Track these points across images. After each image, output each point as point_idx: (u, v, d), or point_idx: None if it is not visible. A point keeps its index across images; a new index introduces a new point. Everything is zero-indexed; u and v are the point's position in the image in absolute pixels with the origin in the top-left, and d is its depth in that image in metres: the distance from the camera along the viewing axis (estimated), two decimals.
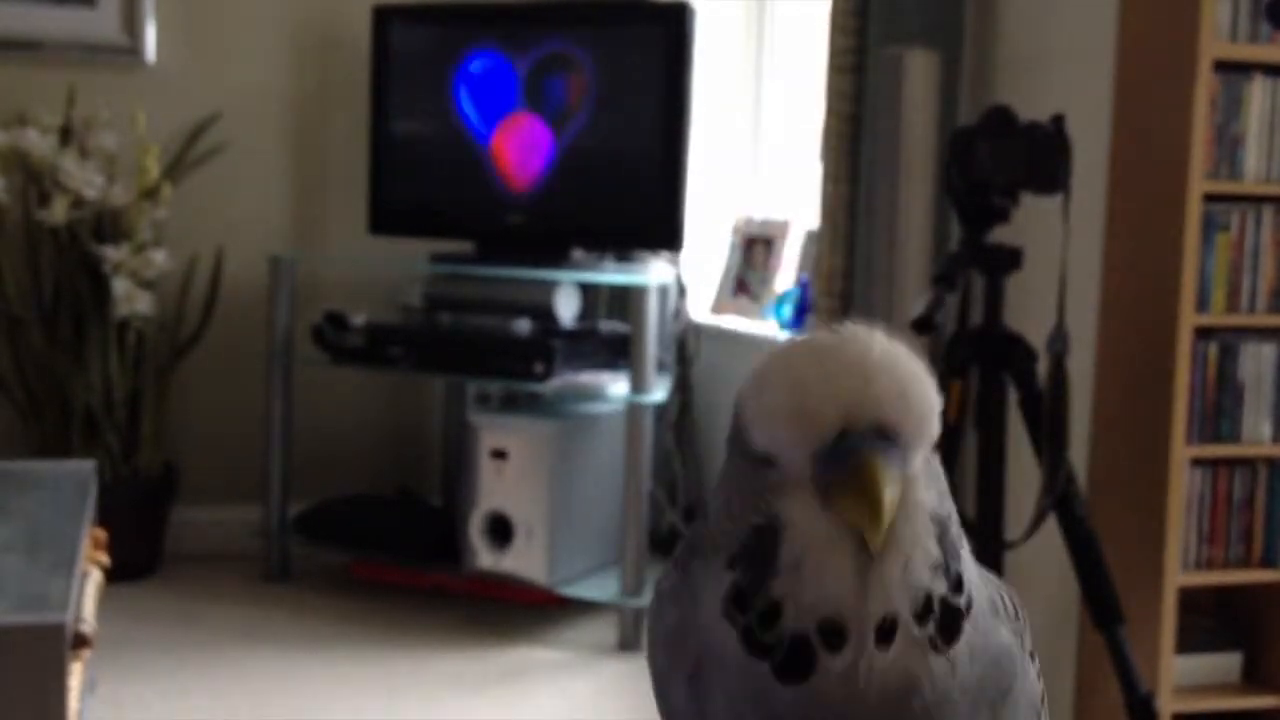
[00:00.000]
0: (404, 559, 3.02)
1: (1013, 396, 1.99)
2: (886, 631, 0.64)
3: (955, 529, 0.69)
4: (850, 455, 0.64)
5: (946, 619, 0.66)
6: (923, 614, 0.65)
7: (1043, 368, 1.96)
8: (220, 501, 3.31)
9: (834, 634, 0.64)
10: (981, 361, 1.98)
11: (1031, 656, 0.75)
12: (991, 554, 2.00)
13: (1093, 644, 2.21)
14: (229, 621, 2.85)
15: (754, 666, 0.66)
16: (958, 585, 0.67)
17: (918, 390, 0.67)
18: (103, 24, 3.19)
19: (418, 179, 3.14)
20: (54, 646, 1.27)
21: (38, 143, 2.98)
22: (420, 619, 2.90)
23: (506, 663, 2.69)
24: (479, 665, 2.67)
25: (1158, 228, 2.16)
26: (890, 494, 0.64)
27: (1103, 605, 1.97)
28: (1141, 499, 2.18)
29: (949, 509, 0.69)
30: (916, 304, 1.92)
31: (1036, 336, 1.97)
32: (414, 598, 3.01)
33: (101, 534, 1.81)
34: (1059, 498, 1.94)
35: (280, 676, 2.57)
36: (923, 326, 1.89)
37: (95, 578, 1.66)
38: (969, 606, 0.67)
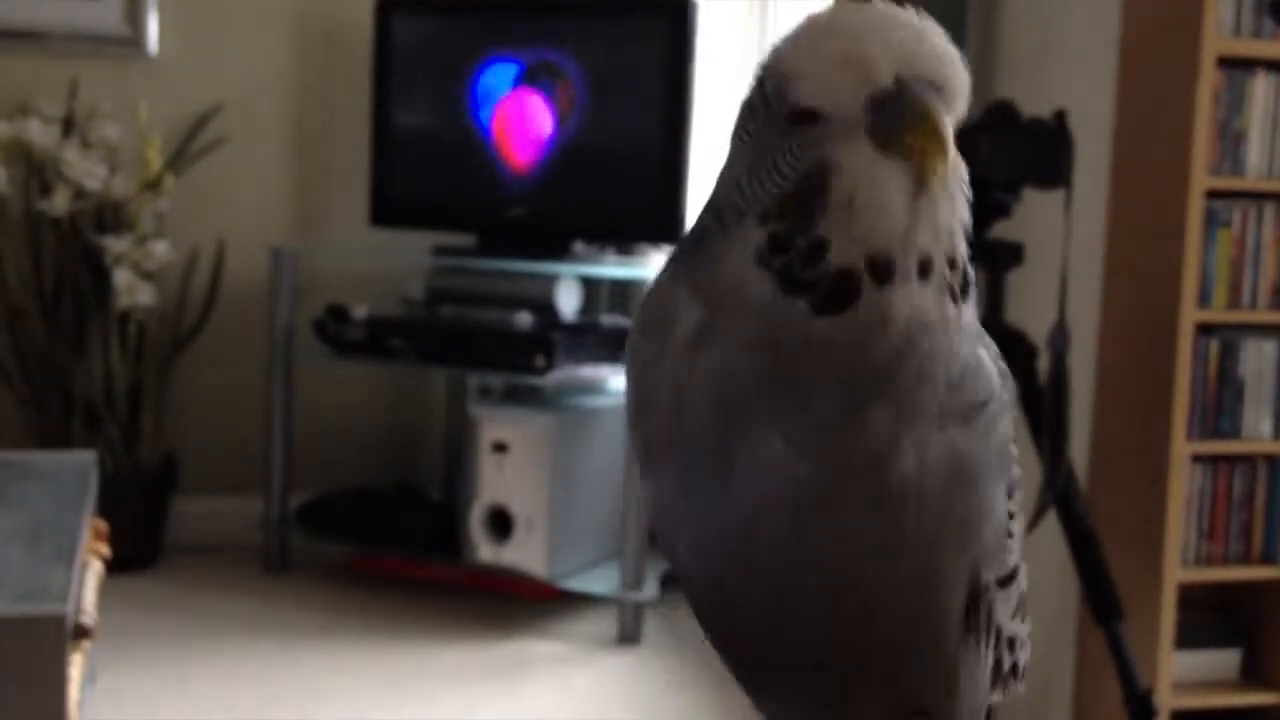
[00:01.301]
0: (404, 551, 3.03)
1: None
2: (924, 269, 0.67)
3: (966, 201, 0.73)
4: (912, 98, 0.67)
5: (964, 276, 0.70)
6: (951, 265, 0.69)
7: (1044, 364, 1.96)
8: (221, 493, 3.31)
9: (883, 267, 0.67)
10: None
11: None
12: None
13: (1092, 640, 2.21)
14: (229, 613, 2.85)
15: (785, 306, 0.67)
16: (972, 258, 0.71)
17: (954, 53, 0.70)
18: (105, 15, 3.18)
19: (419, 172, 3.14)
20: (54, 637, 1.27)
21: (39, 134, 2.98)
22: (420, 611, 2.90)
23: (506, 655, 2.70)
24: (479, 658, 2.67)
25: (1159, 224, 2.16)
26: (950, 138, 0.67)
27: (1102, 601, 1.97)
28: (1142, 495, 2.18)
29: (965, 179, 0.73)
30: None
31: (1037, 332, 1.97)
32: (414, 590, 3.01)
33: (102, 525, 1.82)
34: (1059, 494, 1.94)
35: (280, 668, 2.57)
36: None
37: (96, 569, 1.67)
38: (971, 285, 0.71)
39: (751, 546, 0.71)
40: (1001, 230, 1.99)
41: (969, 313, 0.71)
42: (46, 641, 1.27)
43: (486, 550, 2.90)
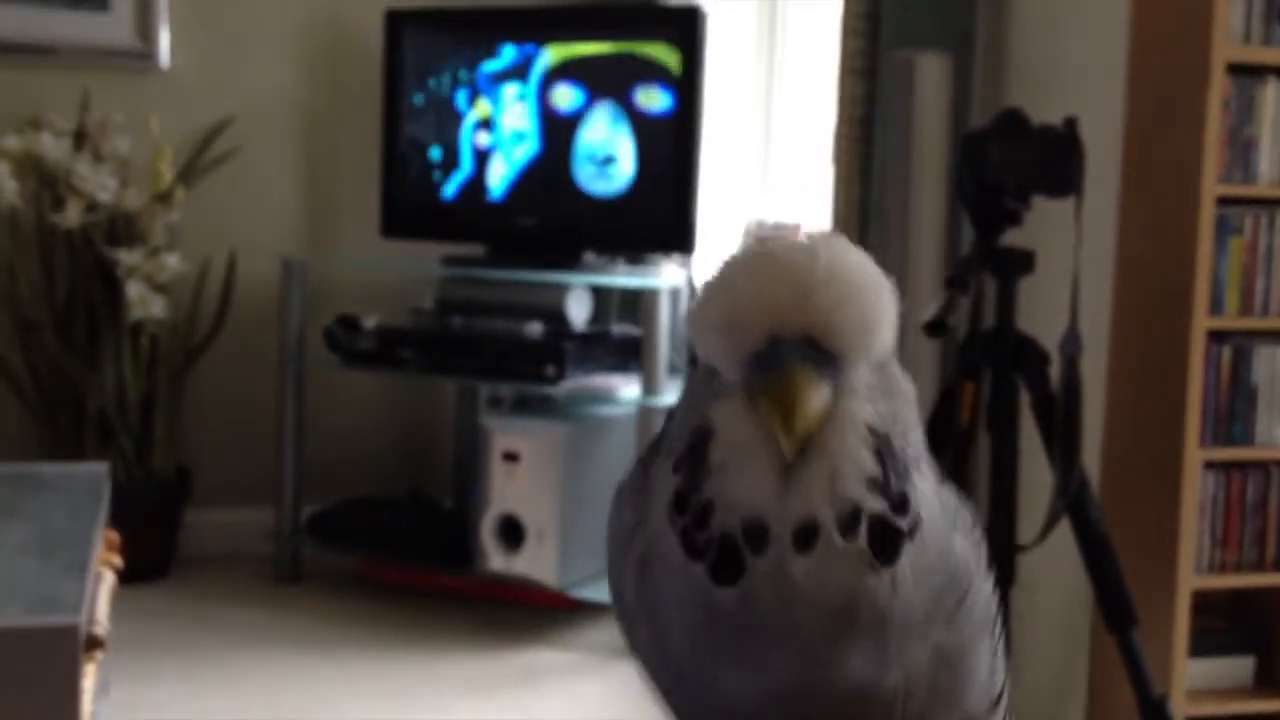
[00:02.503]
0: (415, 561, 3.03)
1: (1025, 399, 1.99)
2: (806, 536, 0.64)
3: (909, 448, 0.69)
4: (774, 363, 0.65)
5: (883, 536, 0.66)
6: (848, 525, 0.65)
7: (1055, 370, 1.96)
8: (232, 503, 3.31)
9: (757, 533, 0.65)
10: (994, 364, 1.98)
11: (989, 571, 0.76)
12: (1004, 557, 2.00)
13: (1105, 647, 2.20)
14: (241, 623, 2.85)
15: (692, 568, 0.67)
16: (900, 506, 0.66)
17: (860, 301, 0.67)
18: (116, 28, 3.20)
19: (429, 182, 3.15)
20: (67, 648, 1.27)
21: (52, 147, 2.99)
22: (431, 621, 2.90)
23: (517, 665, 2.69)
24: (490, 667, 2.67)
25: (1171, 231, 2.15)
26: (813, 403, 0.64)
27: (1116, 608, 1.96)
28: (1155, 502, 2.18)
29: (905, 427, 0.69)
30: (929, 307, 1.92)
31: (1049, 339, 1.97)
32: (425, 600, 3.01)
33: (115, 536, 1.82)
34: (1072, 501, 1.94)
35: (292, 678, 2.57)
36: (935, 329, 1.89)
37: (108, 580, 1.67)
38: (914, 528, 0.67)
39: None
40: (1013, 238, 1.99)
41: (936, 532, 0.69)
42: (59, 652, 1.27)
43: (498, 559, 2.90)
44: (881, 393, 0.68)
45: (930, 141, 2.43)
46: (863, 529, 0.65)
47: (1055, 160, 1.91)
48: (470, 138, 3.10)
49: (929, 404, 2.05)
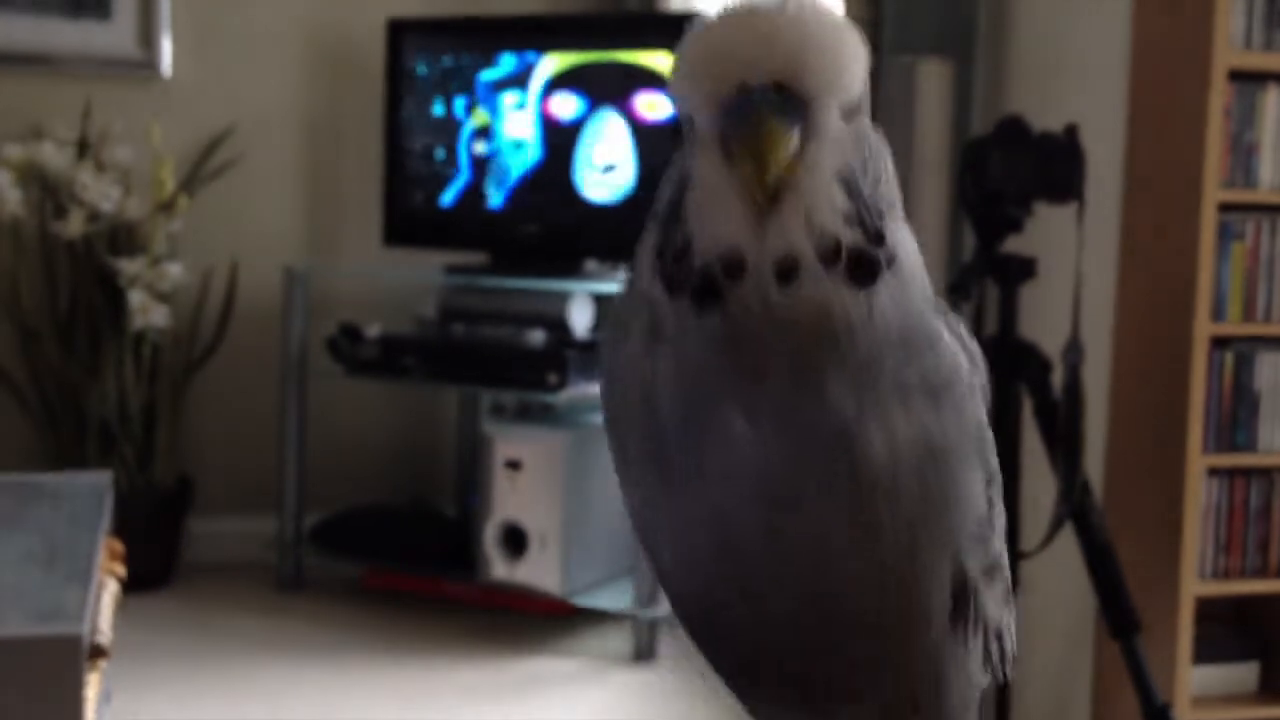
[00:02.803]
0: (418, 569, 3.02)
1: (1028, 406, 1.99)
2: (787, 270, 0.66)
3: (882, 191, 0.70)
4: (744, 110, 0.67)
5: (860, 264, 0.67)
6: (830, 257, 0.66)
7: (1058, 377, 1.96)
8: (235, 512, 3.31)
9: (735, 266, 0.66)
10: (996, 371, 1.98)
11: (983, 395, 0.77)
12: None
13: (1109, 654, 2.20)
14: (244, 631, 2.85)
15: (679, 308, 0.68)
16: (877, 238, 0.68)
17: (824, 43, 0.69)
18: (118, 38, 3.20)
19: (431, 190, 3.15)
20: (70, 657, 1.27)
21: (54, 156, 2.99)
22: (434, 629, 2.90)
23: (520, 673, 2.69)
24: (493, 675, 2.67)
25: (1172, 237, 2.15)
26: (783, 148, 0.66)
27: (1119, 615, 1.96)
28: (1158, 509, 2.18)
29: (877, 175, 0.71)
30: None
31: (1051, 346, 1.97)
32: (428, 608, 3.01)
33: (117, 545, 1.82)
34: (1075, 507, 1.94)
35: (294, 686, 2.57)
36: None
37: (111, 588, 1.67)
38: (891, 261, 0.68)
39: (727, 543, 0.70)
40: (1014, 244, 1.99)
41: (916, 284, 0.70)
42: (62, 662, 1.27)
43: (500, 567, 2.90)
44: (852, 141, 0.70)
45: (931, 147, 2.43)
46: (845, 259, 0.67)
47: (1057, 167, 1.91)
48: (471, 146, 3.10)
49: None
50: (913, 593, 0.72)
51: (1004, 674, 0.82)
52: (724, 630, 0.76)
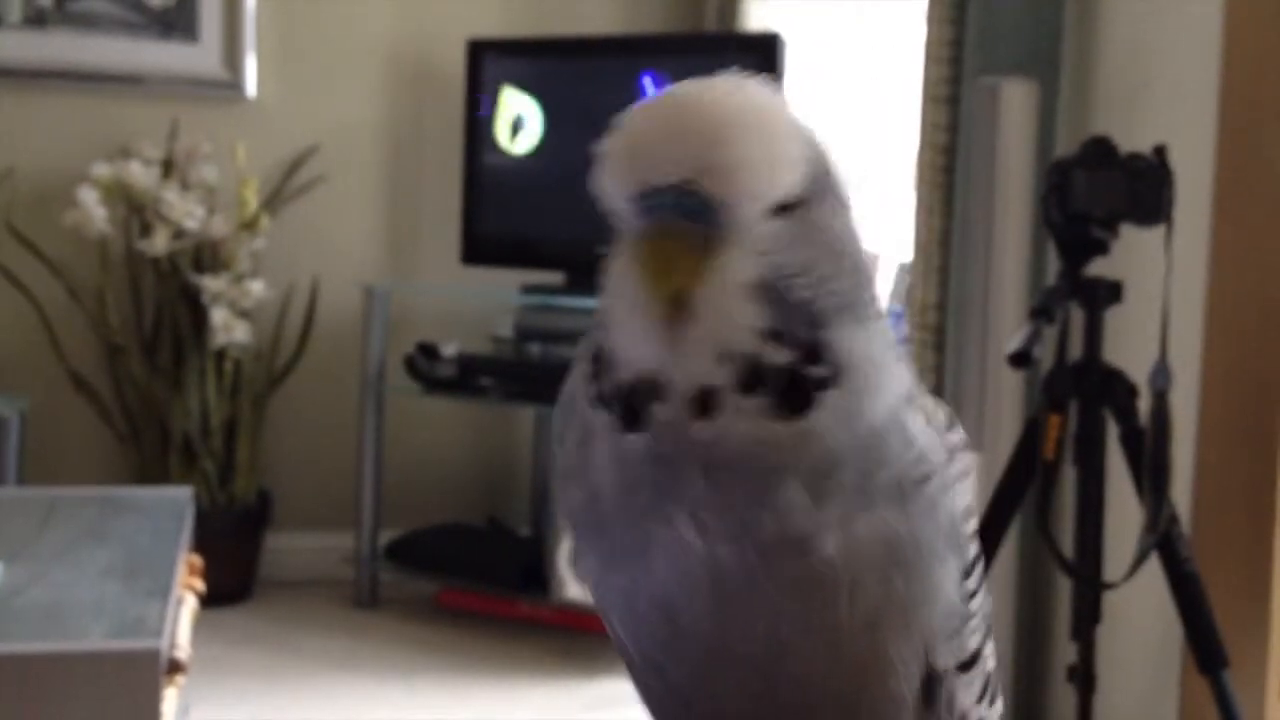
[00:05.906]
0: (492, 588, 3.03)
1: (1113, 433, 1.95)
2: (703, 401, 0.61)
3: (834, 289, 0.64)
4: (647, 212, 0.61)
5: (791, 387, 0.61)
6: (749, 384, 0.61)
7: (1144, 403, 1.91)
8: (313, 528, 3.34)
9: (650, 391, 0.62)
10: (1081, 396, 1.94)
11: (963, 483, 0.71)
12: (1091, 595, 1.95)
13: (1196, 689, 2.14)
14: (320, 647, 2.87)
15: (611, 421, 0.64)
16: (811, 355, 0.62)
17: (745, 138, 0.61)
18: (205, 59, 3.25)
19: (510, 210, 3.16)
20: (149, 671, 1.28)
21: (140, 175, 3.04)
22: (508, 649, 2.90)
23: (594, 694, 2.68)
24: (566, 696, 2.66)
25: (1265, 260, 2.10)
26: (681, 259, 0.60)
27: (1207, 649, 1.91)
28: (1247, 539, 2.12)
29: (822, 276, 0.63)
30: (1014, 338, 1.89)
31: (1138, 371, 1.93)
32: (502, 627, 3.01)
33: (197, 560, 1.84)
34: (1161, 538, 1.89)
35: (368, 703, 2.58)
36: (1020, 360, 1.85)
37: (190, 603, 1.68)
38: (836, 376, 0.62)
39: (675, 627, 0.68)
40: (1100, 267, 1.95)
41: (879, 390, 0.65)
42: (141, 675, 1.28)
43: (574, 588, 2.89)
44: (789, 241, 0.63)
45: (1015, 169, 2.39)
46: (770, 385, 0.61)
47: (1144, 189, 1.87)
48: (550, 164, 3.11)
49: (1013, 437, 2.01)
50: (877, 686, 0.68)
51: None
52: (676, 706, 0.73)
